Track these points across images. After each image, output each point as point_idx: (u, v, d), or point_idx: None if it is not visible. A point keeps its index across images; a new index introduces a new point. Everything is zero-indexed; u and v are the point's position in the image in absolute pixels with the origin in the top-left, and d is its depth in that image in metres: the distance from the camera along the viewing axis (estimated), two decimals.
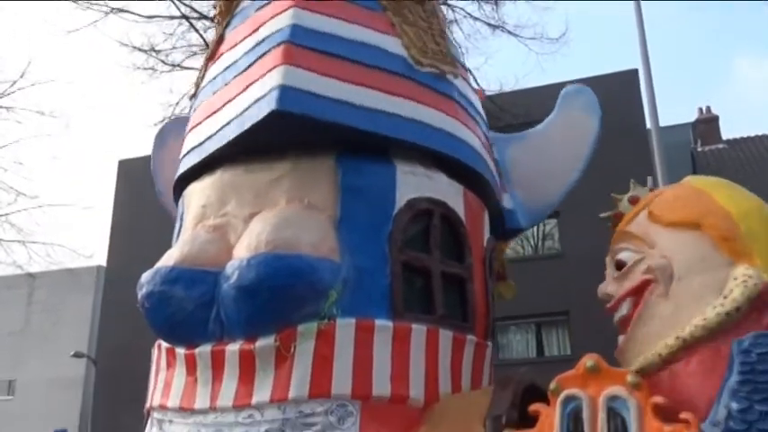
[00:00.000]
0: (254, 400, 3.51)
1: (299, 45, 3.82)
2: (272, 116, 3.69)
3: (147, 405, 4.03)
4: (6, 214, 22.87)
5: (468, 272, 3.99)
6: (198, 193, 4.19)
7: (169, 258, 3.87)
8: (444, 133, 4.09)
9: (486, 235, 4.29)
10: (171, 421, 3.78)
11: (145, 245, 27.95)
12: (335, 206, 3.79)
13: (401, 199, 3.86)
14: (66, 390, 31.17)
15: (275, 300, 3.50)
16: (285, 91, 3.67)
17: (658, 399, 3.06)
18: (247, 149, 4.01)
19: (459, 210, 4.03)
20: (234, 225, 3.89)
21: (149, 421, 3.99)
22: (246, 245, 3.65)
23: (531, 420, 3.34)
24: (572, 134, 4.95)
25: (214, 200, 4.05)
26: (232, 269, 3.60)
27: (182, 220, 4.31)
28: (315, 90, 3.73)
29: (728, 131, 45.00)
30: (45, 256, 23.53)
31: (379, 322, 3.60)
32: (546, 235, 24.39)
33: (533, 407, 3.32)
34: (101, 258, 31.82)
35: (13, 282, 28.86)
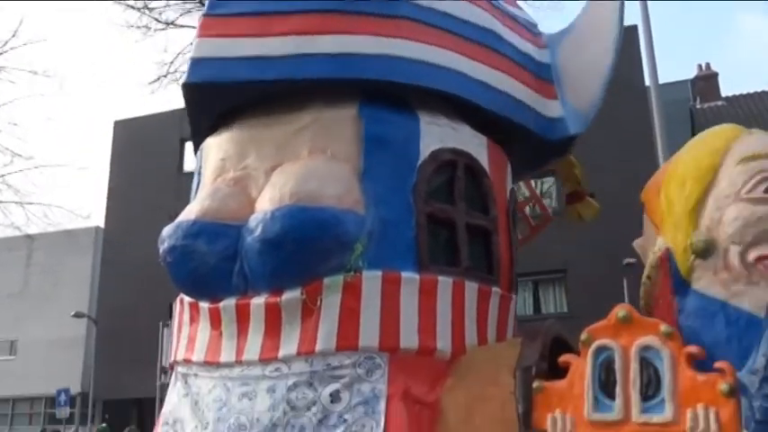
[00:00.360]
0: (281, 354, 3.49)
1: (216, 15, 3.95)
2: (186, 91, 3.99)
3: (171, 359, 4.02)
4: (3, 175, 22.75)
5: (493, 224, 3.94)
6: (216, 146, 4.11)
7: (190, 212, 3.82)
8: (398, 60, 3.84)
9: (509, 186, 4.24)
10: (196, 375, 3.76)
11: (142, 205, 27.94)
12: (359, 157, 3.73)
13: (425, 150, 3.79)
14: (67, 349, 31.34)
15: (300, 252, 3.46)
16: (194, 64, 3.89)
17: (692, 348, 3.04)
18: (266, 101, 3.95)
19: (483, 161, 3.96)
20: (255, 178, 3.83)
21: (173, 375, 3.98)
22: (270, 197, 3.59)
23: (560, 372, 3.33)
24: (601, 11, 4.60)
25: (233, 153, 3.97)
26: (256, 222, 3.55)
27: (200, 174, 4.24)
28: (227, 54, 3.85)
29: (728, 89, 44.78)
30: (42, 216, 23.52)
31: (405, 274, 3.56)
32: (544, 193, 24.38)
33: (564, 358, 3.31)
34: (98, 219, 31.80)
35: (11, 243, 28.86)
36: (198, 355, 3.76)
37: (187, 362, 3.83)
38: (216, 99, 4.06)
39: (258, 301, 3.58)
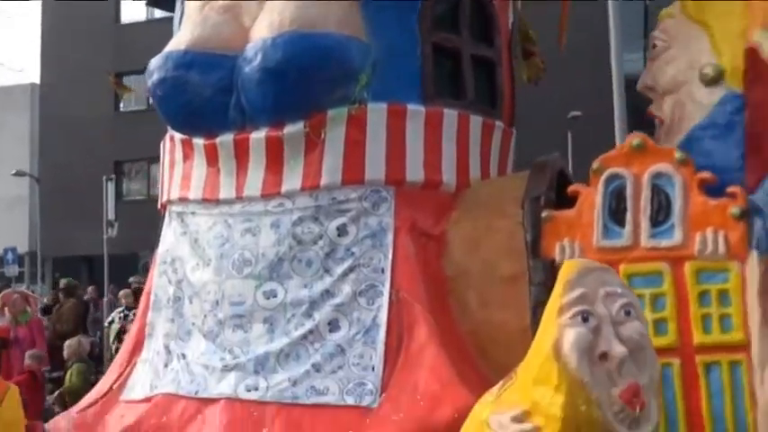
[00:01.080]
0: (284, 189, 3.42)
1: None
2: None
3: (164, 199, 3.89)
4: None
5: (498, 55, 3.82)
6: None
7: (179, 42, 3.58)
8: None
9: (511, 18, 4.08)
10: (194, 213, 3.67)
11: (78, 59, 26.62)
12: None
13: None
14: (11, 209, 30.62)
15: (303, 82, 3.30)
16: None
17: (705, 174, 3.05)
18: None
19: None
20: (246, 6, 3.58)
21: (167, 215, 3.87)
22: (268, 24, 3.38)
23: (564, 204, 3.33)
24: None
25: None
26: (254, 50, 3.35)
27: (182, 3, 3.95)
28: None
29: None
30: None
31: (410, 107, 3.47)
32: None
33: (572, 187, 3.29)
34: (33, 74, 30.31)
35: None
36: (195, 193, 3.65)
37: (183, 200, 3.72)
38: None
39: (258, 136, 3.45)
